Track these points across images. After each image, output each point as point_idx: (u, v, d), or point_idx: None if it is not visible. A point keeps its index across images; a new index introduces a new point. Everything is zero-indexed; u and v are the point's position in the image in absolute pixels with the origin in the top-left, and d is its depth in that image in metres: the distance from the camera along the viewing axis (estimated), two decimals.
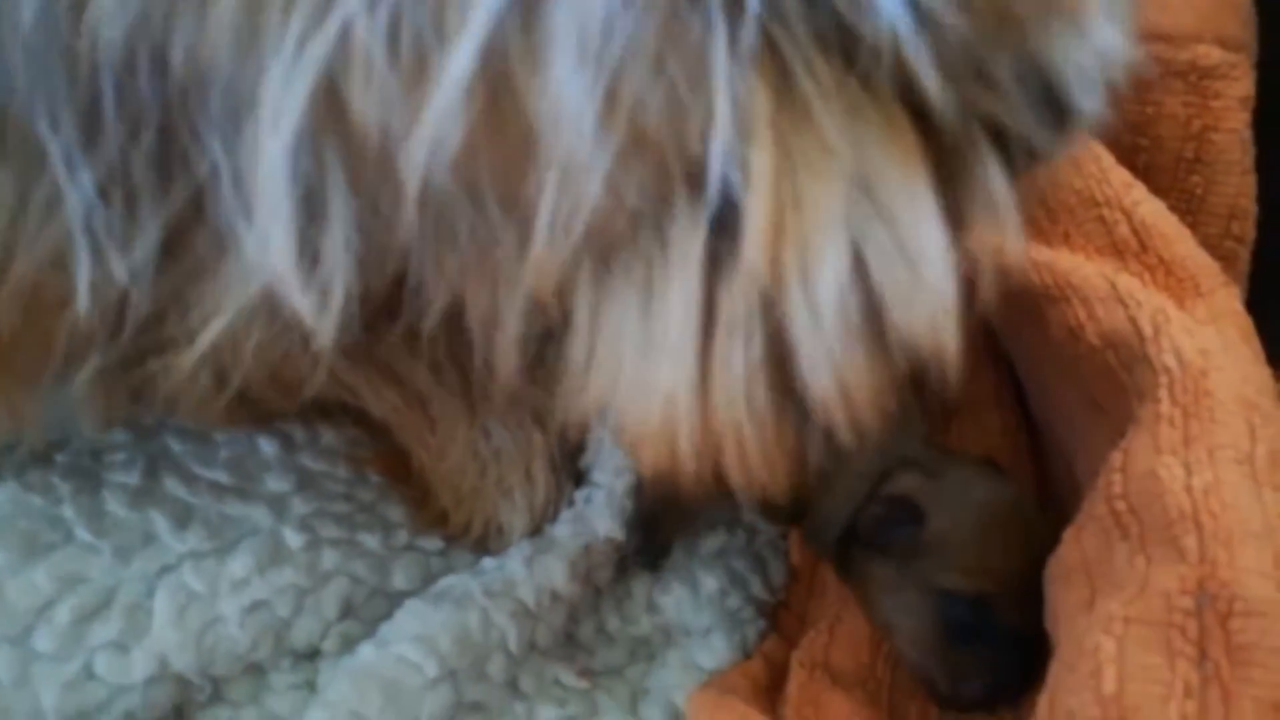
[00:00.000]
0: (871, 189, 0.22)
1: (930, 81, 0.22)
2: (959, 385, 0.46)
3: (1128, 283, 0.39)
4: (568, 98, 0.20)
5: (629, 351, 0.25)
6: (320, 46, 0.20)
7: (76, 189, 0.23)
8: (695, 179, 0.22)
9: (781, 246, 0.22)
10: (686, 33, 0.20)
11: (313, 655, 0.42)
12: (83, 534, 0.40)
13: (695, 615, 0.47)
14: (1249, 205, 0.46)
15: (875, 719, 0.40)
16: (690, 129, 0.21)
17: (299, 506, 0.44)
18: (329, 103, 0.21)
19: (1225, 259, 0.45)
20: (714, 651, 0.45)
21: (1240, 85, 0.45)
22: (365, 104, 0.21)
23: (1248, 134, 0.46)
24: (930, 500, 0.40)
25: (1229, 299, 0.40)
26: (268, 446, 0.46)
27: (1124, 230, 0.42)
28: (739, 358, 0.24)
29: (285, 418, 0.46)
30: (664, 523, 0.47)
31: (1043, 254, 0.42)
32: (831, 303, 0.23)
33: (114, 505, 0.41)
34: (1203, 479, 0.31)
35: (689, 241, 0.23)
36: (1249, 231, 0.46)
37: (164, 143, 0.23)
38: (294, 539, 0.43)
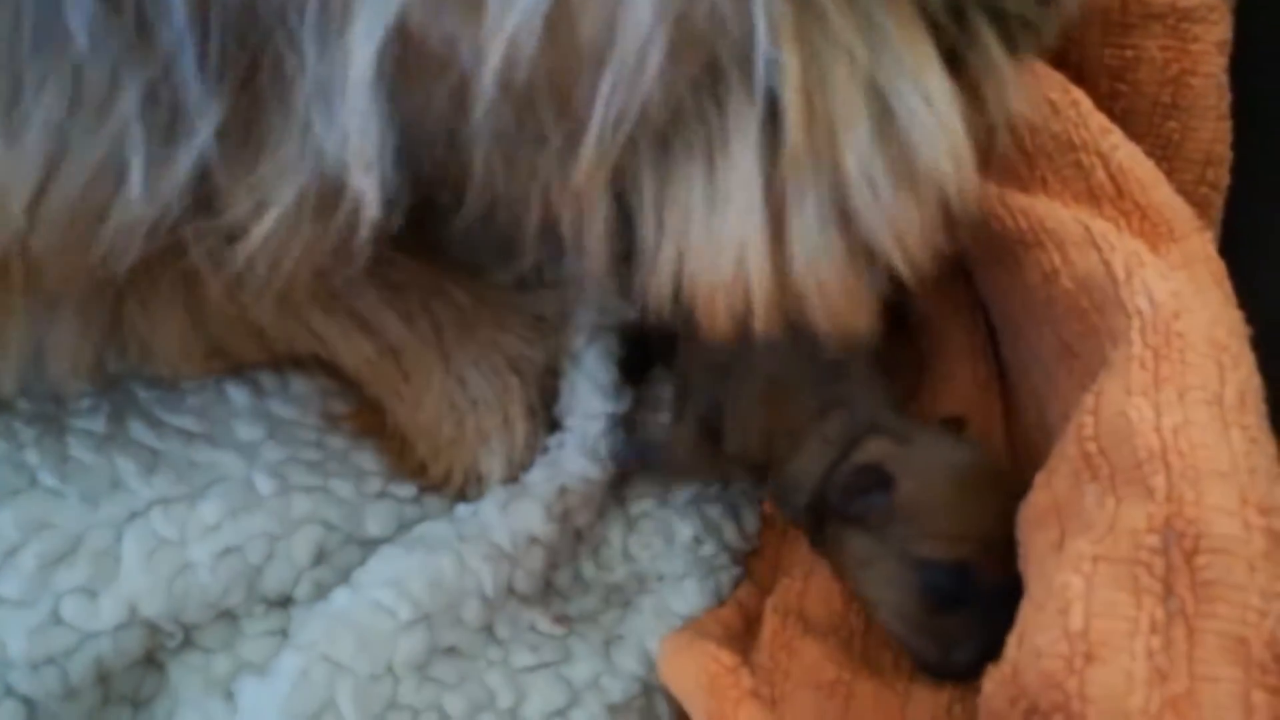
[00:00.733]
0: (888, 70, 0.27)
1: None
2: (931, 337, 0.47)
3: (1102, 227, 0.39)
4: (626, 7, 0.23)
5: (697, 214, 0.28)
6: None
7: (133, 82, 0.24)
8: (745, 64, 0.26)
9: (815, 126, 0.26)
10: None
11: (285, 602, 0.42)
12: (47, 479, 0.39)
13: (669, 562, 0.47)
14: (1224, 151, 0.46)
15: (849, 666, 0.40)
16: (733, 33, 0.25)
17: (269, 453, 0.44)
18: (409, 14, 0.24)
19: (1200, 205, 0.45)
20: (687, 598, 0.45)
21: (1218, 29, 0.45)
22: (434, 16, 0.24)
23: (1225, 79, 0.46)
24: (900, 466, 0.39)
25: (1203, 244, 0.40)
26: (237, 394, 0.45)
27: (1100, 175, 0.41)
28: (810, 210, 0.28)
29: (256, 366, 0.46)
30: (651, 344, 0.48)
31: (1019, 200, 0.42)
32: (870, 162, 0.27)
33: (79, 451, 0.41)
34: (1172, 419, 0.31)
35: (746, 115, 0.27)
36: (1224, 177, 0.46)
37: (236, 41, 0.25)
38: (265, 485, 0.42)
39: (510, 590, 0.42)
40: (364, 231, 0.27)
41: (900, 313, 0.50)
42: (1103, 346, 0.36)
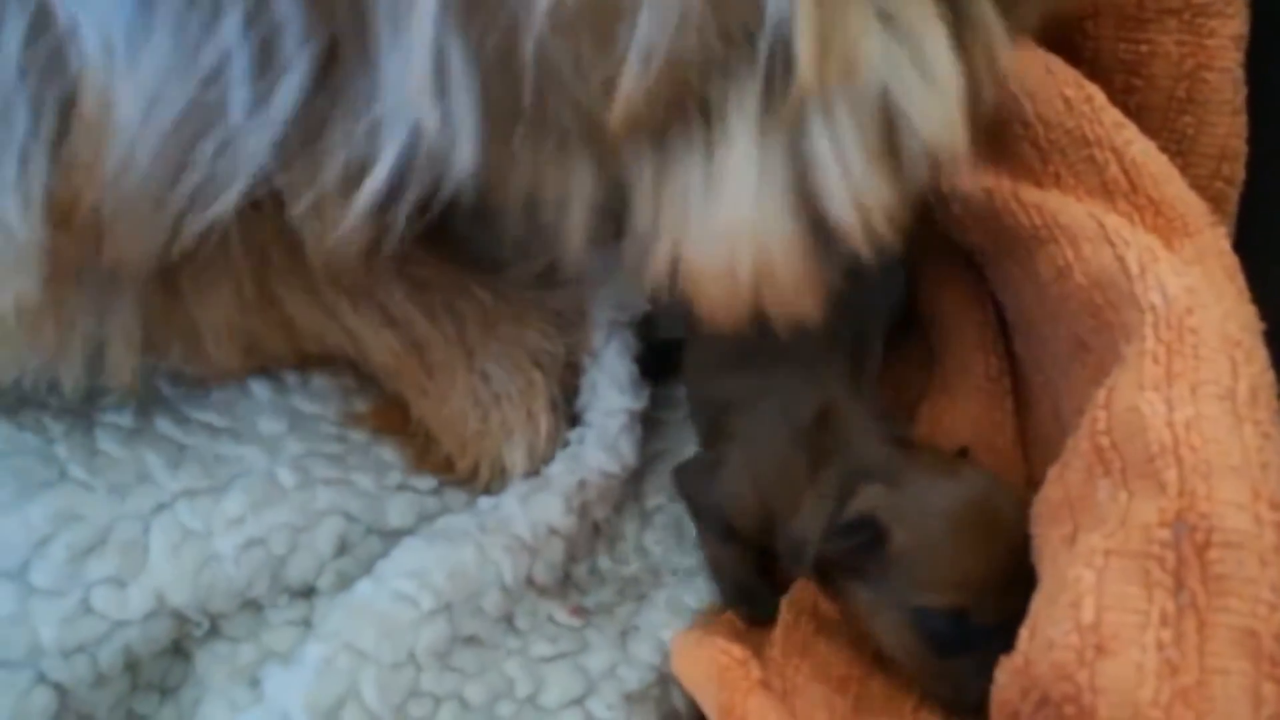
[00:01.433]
0: (893, 18, 0.27)
1: None
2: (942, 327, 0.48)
3: (1116, 223, 0.39)
4: None
5: (694, 202, 0.28)
6: None
7: (234, 7, 0.24)
8: (751, 36, 0.26)
9: (828, 64, 0.26)
10: None
11: (309, 593, 0.43)
12: (77, 472, 0.40)
13: (682, 557, 0.48)
14: (1239, 146, 0.46)
15: (860, 664, 0.41)
16: None
17: (292, 447, 0.44)
18: None
19: (1215, 200, 0.45)
20: (699, 593, 0.46)
21: (1234, 23, 0.45)
22: None
23: (1240, 74, 0.46)
24: (893, 515, 0.38)
25: (1216, 239, 0.40)
26: (260, 390, 0.46)
27: (1114, 170, 0.42)
28: (775, 192, 0.28)
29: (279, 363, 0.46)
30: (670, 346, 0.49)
31: (1032, 195, 0.42)
32: (860, 119, 0.27)
33: (107, 444, 0.42)
34: (1184, 414, 0.31)
35: (747, 92, 0.27)
36: (1238, 173, 0.46)
37: None
38: (287, 478, 0.43)
39: (530, 581, 0.43)
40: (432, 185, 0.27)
41: (911, 310, 0.50)
42: (1116, 342, 0.36)
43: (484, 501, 0.45)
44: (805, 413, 0.42)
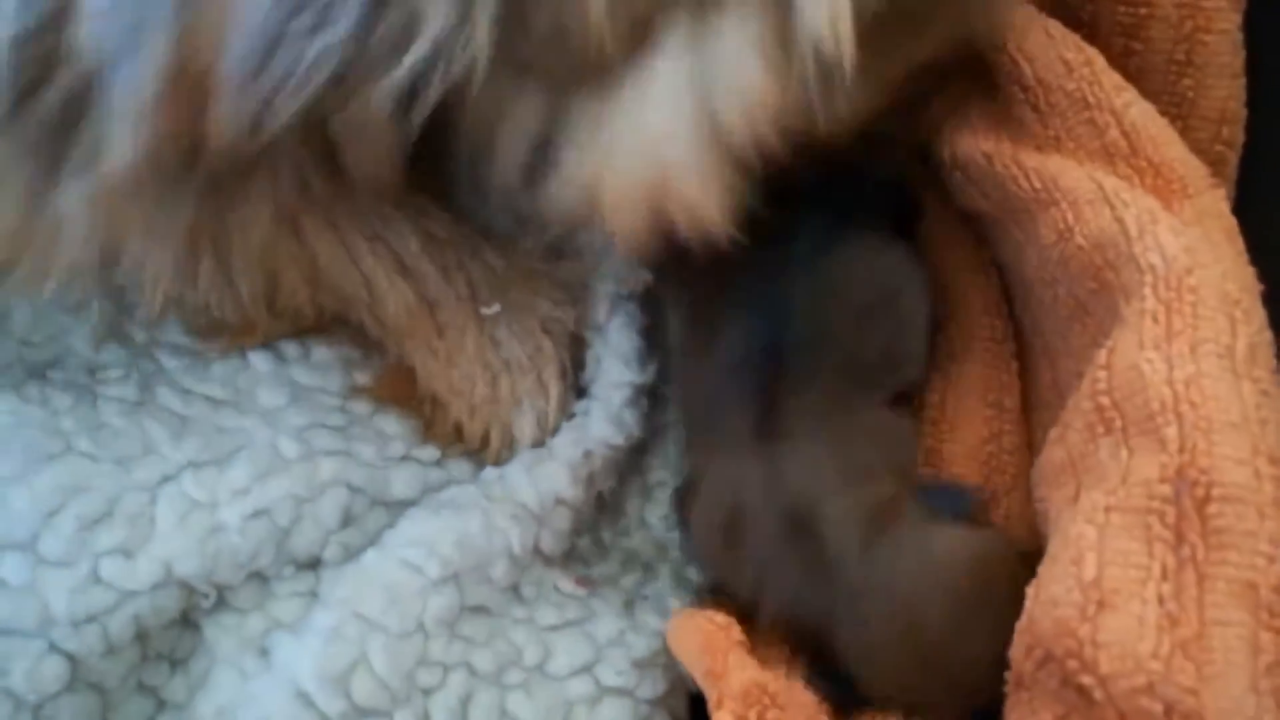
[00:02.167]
0: None
1: None
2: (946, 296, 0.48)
3: (1116, 185, 0.39)
4: None
5: (616, 125, 0.29)
6: None
7: None
8: None
9: None
10: None
11: (315, 564, 0.43)
12: (83, 444, 0.40)
13: None
14: (1239, 109, 0.46)
15: None
16: None
17: (293, 419, 0.44)
18: None
19: (1215, 163, 0.45)
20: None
21: None
22: None
23: (1239, 36, 0.45)
24: (854, 649, 0.38)
25: (1216, 201, 0.40)
26: (260, 361, 0.46)
27: (1114, 133, 0.42)
28: (684, 115, 0.28)
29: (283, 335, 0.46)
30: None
31: (1033, 158, 0.42)
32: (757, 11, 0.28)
33: (111, 417, 0.42)
34: (1184, 372, 0.32)
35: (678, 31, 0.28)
36: (1238, 136, 0.46)
37: None
38: (290, 450, 0.43)
39: (536, 550, 0.43)
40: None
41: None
42: (1116, 304, 0.37)
43: (489, 472, 0.45)
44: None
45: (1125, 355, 0.33)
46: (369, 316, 0.44)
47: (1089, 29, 0.46)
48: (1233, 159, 0.47)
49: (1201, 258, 0.35)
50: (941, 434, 0.46)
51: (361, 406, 0.46)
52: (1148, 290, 0.34)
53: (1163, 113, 0.43)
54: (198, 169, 0.32)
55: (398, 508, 0.44)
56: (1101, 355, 0.34)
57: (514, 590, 0.43)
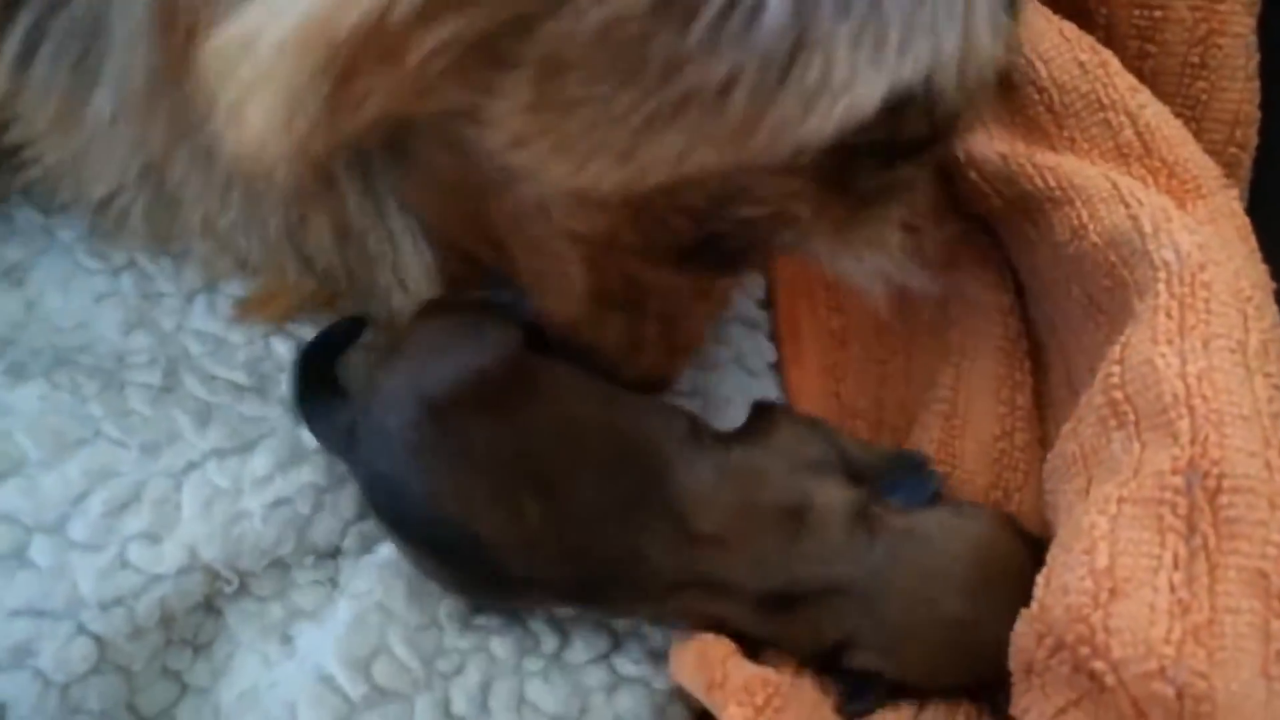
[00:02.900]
0: None
1: None
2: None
3: (1130, 184, 0.39)
4: None
5: None
6: None
7: None
8: None
9: None
10: None
11: (334, 554, 0.44)
12: (111, 430, 0.41)
13: None
14: (1252, 111, 0.46)
15: None
16: None
17: None
18: None
19: (1228, 164, 0.45)
20: None
21: None
22: None
23: (1253, 39, 0.46)
24: (873, 640, 0.38)
25: (1229, 201, 0.41)
26: (282, 348, 0.46)
27: (1128, 134, 0.42)
28: None
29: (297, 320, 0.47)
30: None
31: (1047, 158, 0.43)
32: None
33: (138, 404, 0.42)
34: (1197, 366, 0.32)
35: None
36: (1251, 138, 0.47)
37: None
38: (311, 439, 0.44)
39: None
40: None
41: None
42: (1129, 301, 0.37)
43: None
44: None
45: (1139, 350, 0.34)
46: (393, 277, 0.44)
47: (1104, 32, 0.47)
48: (1246, 160, 0.47)
49: (1215, 255, 0.35)
50: (954, 430, 0.46)
51: None
52: (1161, 286, 0.35)
53: (1177, 114, 0.44)
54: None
55: None
56: (1115, 350, 0.35)
57: None
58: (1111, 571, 0.30)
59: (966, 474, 0.45)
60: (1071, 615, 0.30)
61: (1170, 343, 0.33)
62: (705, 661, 0.39)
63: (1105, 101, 0.43)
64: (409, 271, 0.44)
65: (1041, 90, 0.44)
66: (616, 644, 0.43)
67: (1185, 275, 0.34)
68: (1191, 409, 0.31)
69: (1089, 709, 0.30)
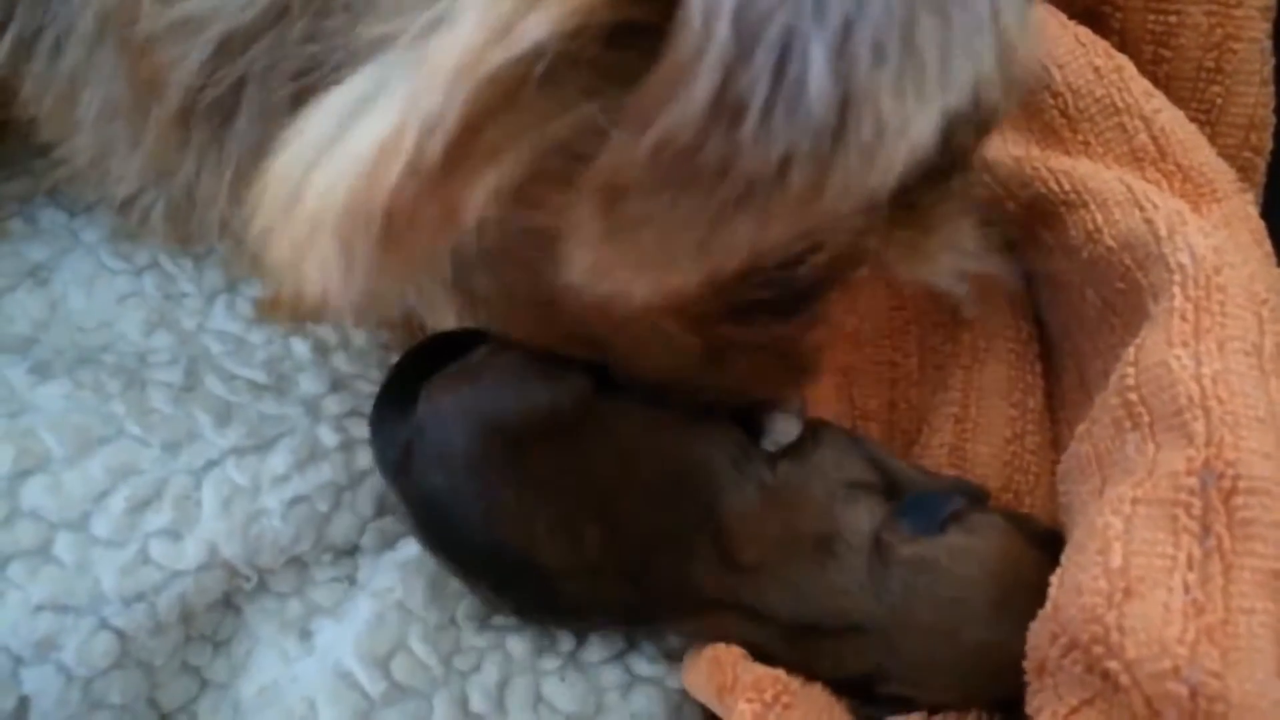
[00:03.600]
0: None
1: None
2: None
3: (1144, 188, 0.40)
4: None
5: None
6: None
7: None
8: None
9: None
10: None
11: (352, 551, 0.44)
12: (133, 428, 0.41)
13: None
14: (1267, 115, 0.47)
15: None
16: None
17: (332, 407, 0.46)
18: None
19: (1243, 169, 0.45)
20: None
21: None
22: None
23: (1268, 44, 0.46)
24: (896, 669, 0.38)
25: (1244, 205, 0.41)
26: (301, 348, 0.47)
27: (1143, 138, 0.42)
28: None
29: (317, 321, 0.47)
30: None
31: (1062, 162, 0.43)
32: None
33: (159, 402, 0.43)
34: (1212, 368, 0.32)
35: None
36: (1266, 142, 0.47)
37: None
38: (329, 438, 0.44)
39: None
40: None
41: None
42: (1144, 304, 0.37)
43: None
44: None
45: (1153, 352, 0.34)
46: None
47: (1119, 36, 0.47)
48: (1261, 164, 0.47)
49: (1230, 257, 0.35)
50: (965, 433, 0.46)
51: None
52: (1176, 289, 0.35)
53: (1192, 119, 0.44)
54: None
55: None
56: (1130, 352, 0.35)
57: None
58: (1126, 572, 0.30)
59: (977, 477, 0.45)
60: (1085, 615, 0.30)
61: (1185, 345, 0.33)
62: (716, 667, 0.39)
63: (1120, 106, 0.43)
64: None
65: (1056, 95, 0.44)
66: (631, 644, 0.43)
67: (1200, 278, 0.34)
68: (1206, 411, 0.31)
69: (1103, 708, 0.30)
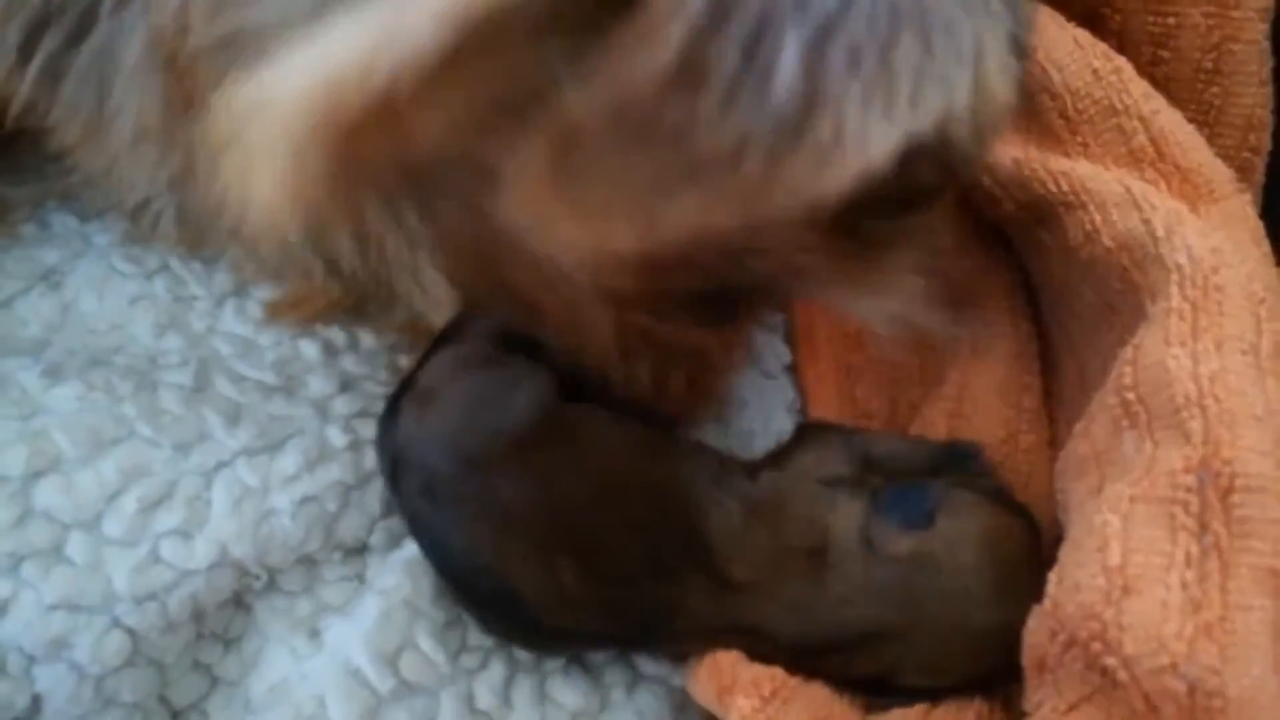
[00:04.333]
0: None
1: None
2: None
3: (1143, 188, 0.40)
4: None
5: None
6: None
7: None
8: None
9: None
10: None
11: (361, 550, 0.45)
12: (144, 429, 0.42)
13: None
14: (1265, 116, 0.47)
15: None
16: None
17: (341, 407, 0.46)
18: None
19: (1241, 169, 0.46)
20: None
21: None
22: None
23: (1266, 45, 0.47)
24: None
25: (1242, 205, 0.41)
26: (310, 350, 0.47)
27: (1142, 139, 0.43)
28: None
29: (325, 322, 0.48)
30: None
31: (1060, 164, 0.43)
32: None
33: (170, 404, 0.43)
34: (1209, 367, 0.33)
35: None
36: (1265, 142, 0.47)
37: None
38: (338, 438, 0.45)
39: None
40: None
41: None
42: (1142, 303, 0.38)
43: None
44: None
45: (1151, 351, 0.34)
46: (413, 282, 0.45)
47: (1118, 38, 0.47)
48: (1259, 165, 0.48)
49: (1227, 257, 0.36)
50: (958, 430, 0.46)
51: None
52: (1174, 289, 0.35)
53: (1190, 120, 0.44)
54: None
55: None
56: (1128, 352, 0.36)
57: None
58: (1124, 569, 0.30)
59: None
60: (1084, 612, 0.31)
61: (1183, 344, 0.34)
62: (715, 670, 0.39)
63: (1119, 107, 0.43)
64: (427, 276, 0.44)
65: (1055, 97, 0.44)
66: None
67: (1198, 278, 0.35)
68: (1204, 409, 0.32)
69: (1101, 704, 0.30)
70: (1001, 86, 0.27)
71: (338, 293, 0.45)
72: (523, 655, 0.42)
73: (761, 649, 0.39)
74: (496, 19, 0.22)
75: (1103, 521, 0.32)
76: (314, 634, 0.42)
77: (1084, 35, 0.46)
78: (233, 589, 0.42)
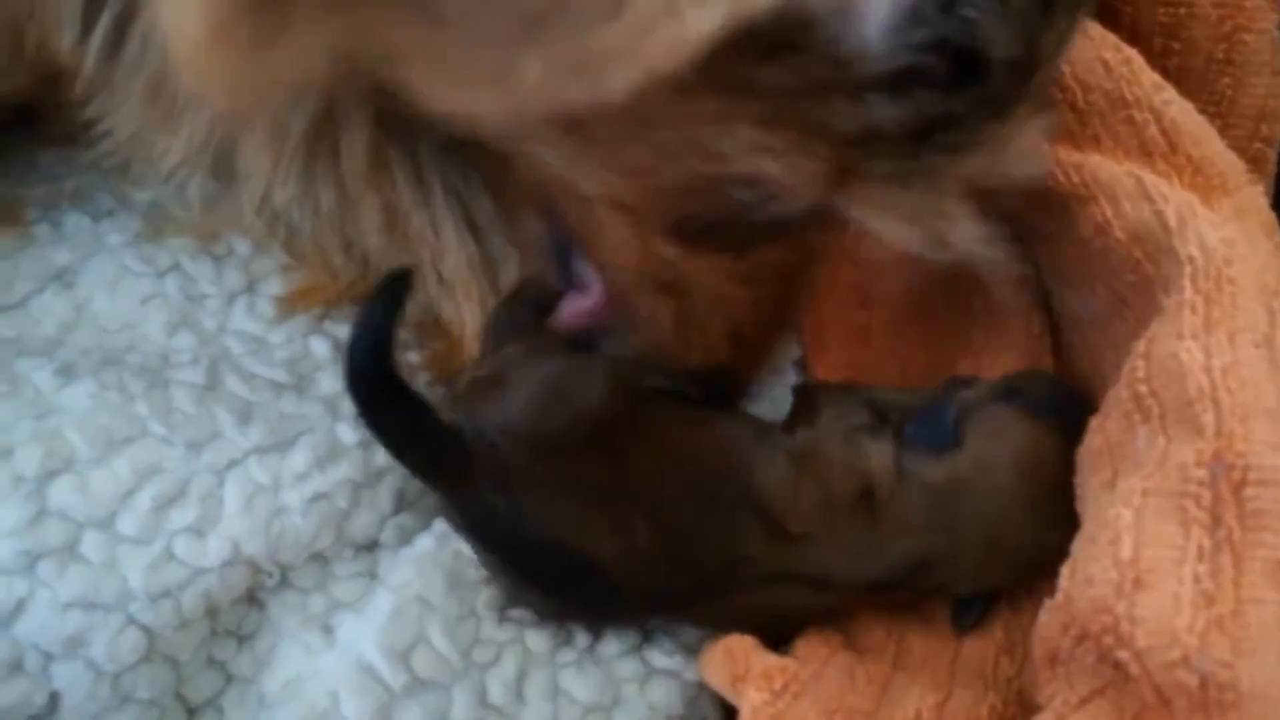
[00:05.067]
0: None
1: None
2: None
3: (1155, 180, 0.40)
4: None
5: None
6: None
7: None
8: None
9: None
10: None
11: (372, 547, 0.45)
12: (157, 428, 0.42)
13: None
14: (1277, 106, 0.47)
15: (899, 621, 0.43)
16: None
17: (352, 405, 0.46)
18: None
19: (1253, 160, 0.46)
20: None
21: None
22: None
23: (1278, 34, 0.46)
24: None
25: (1255, 197, 0.41)
26: (320, 347, 0.48)
27: (1153, 131, 0.42)
28: None
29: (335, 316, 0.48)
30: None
31: (1072, 156, 0.43)
32: None
33: (182, 402, 0.43)
34: (1222, 360, 0.32)
35: None
36: (1277, 133, 0.47)
37: None
38: (348, 436, 0.45)
39: None
40: None
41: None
42: (1155, 296, 0.37)
43: None
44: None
45: (1164, 345, 0.34)
46: (430, 269, 0.45)
47: (1129, 30, 0.47)
48: (1271, 156, 0.47)
49: (1240, 249, 0.35)
50: None
51: None
52: (1186, 282, 0.35)
53: (1202, 111, 0.44)
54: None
55: None
56: (1140, 345, 0.35)
57: None
58: (1136, 563, 0.30)
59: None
60: (1096, 606, 0.31)
61: (1195, 337, 0.33)
62: (730, 657, 0.40)
63: (1129, 99, 0.43)
64: (447, 260, 0.44)
65: (1065, 89, 0.44)
66: (648, 637, 0.44)
67: (1210, 270, 0.35)
68: (1216, 403, 0.32)
69: (1113, 698, 0.30)
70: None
71: (351, 278, 0.45)
72: (536, 649, 0.43)
73: (822, 593, 0.42)
74: None
75: (1115, 515, 0.32)
76: (327, 630, 0.42)
77: (1094, 27, 0.45)
78: (246, 586, 0.42)
